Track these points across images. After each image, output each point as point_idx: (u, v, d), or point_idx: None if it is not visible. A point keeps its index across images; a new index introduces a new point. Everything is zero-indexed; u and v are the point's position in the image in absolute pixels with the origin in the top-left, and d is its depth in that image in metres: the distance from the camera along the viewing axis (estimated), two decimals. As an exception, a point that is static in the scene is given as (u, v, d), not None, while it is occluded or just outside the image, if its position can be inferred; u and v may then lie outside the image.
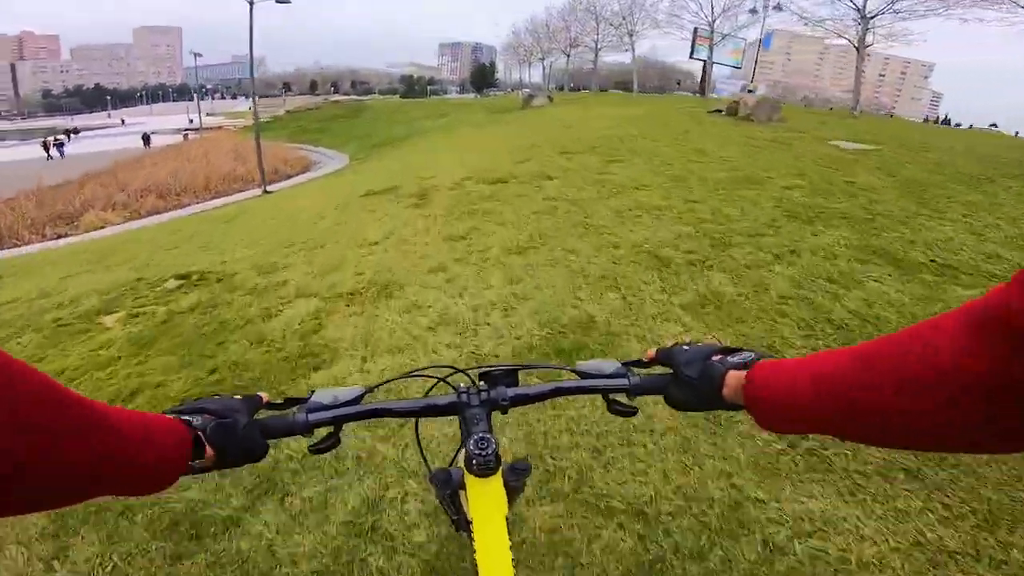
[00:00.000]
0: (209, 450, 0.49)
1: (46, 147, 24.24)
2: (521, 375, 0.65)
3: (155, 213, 11.91)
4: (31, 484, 0.32)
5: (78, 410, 0.35)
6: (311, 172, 17.20)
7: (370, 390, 0.63)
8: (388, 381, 0.74)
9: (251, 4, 13.17)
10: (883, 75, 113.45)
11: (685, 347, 0.59)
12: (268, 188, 13.22)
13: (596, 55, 34.89)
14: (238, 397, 0.56)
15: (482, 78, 54.61)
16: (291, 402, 0.60)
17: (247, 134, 22.69)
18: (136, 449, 0.40)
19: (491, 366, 0.65)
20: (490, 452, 0.54)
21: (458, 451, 0.62)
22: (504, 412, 0.61)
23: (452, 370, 0.66)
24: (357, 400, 0.59)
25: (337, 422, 0.58)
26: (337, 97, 29.01)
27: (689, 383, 0.56)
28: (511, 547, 0.51)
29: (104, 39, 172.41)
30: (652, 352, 0.63)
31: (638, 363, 0.64)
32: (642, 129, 9.38)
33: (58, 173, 16.52)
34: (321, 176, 15.00)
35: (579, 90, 40.83)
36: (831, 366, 0.42)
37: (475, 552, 0.50)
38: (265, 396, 0.59)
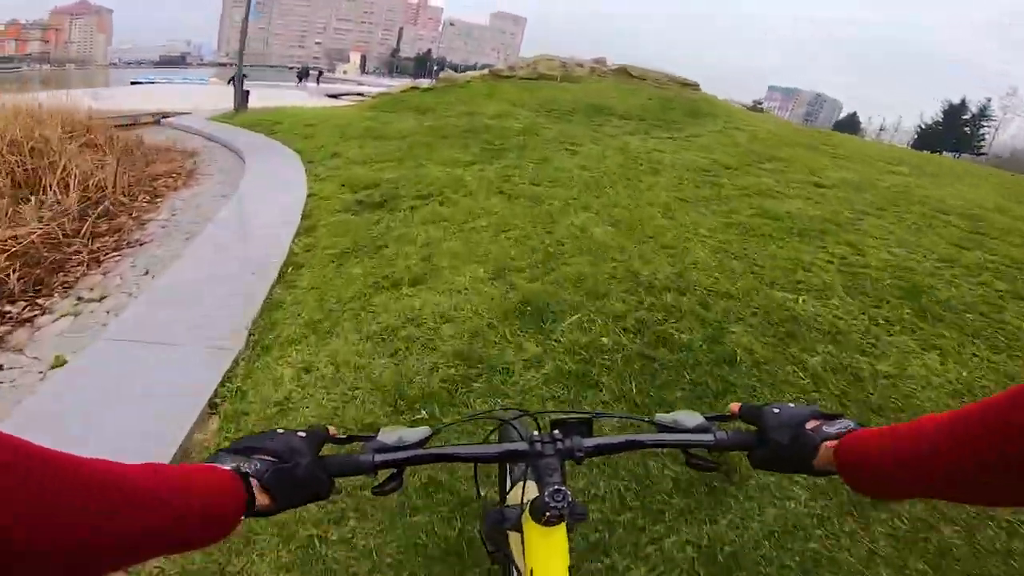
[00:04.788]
0: (265, 497, 0.48)
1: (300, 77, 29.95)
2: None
3: None
4: (78, 559, 0.32)
5: (92, 485, 0.34)
6: None
7: (436, 431, 0.61)
8: (455, 423, 0.85)
9: None
10: None
11: (776, 409, 0.57)
12: None
13: None
14: (301, 434, 0.53)
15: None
16: (355, 438, 0.59)
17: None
18: (183, 516, 0.40)
19: (565, 412, 0.64)
20: (565, 505, 0.52)
21: (510, 489, 0.66)
22: (579, 463, 0.58)
23: (521, 413, 0.67)
24: (424, 442, 0.57)
25: (403, 464, 0.56)
26: (558, 63, 9.77)
27: (778, 448, 0.54)
28: None
29: (474, 18, 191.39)
30: (736, 408, 0.62)
31: (720, 417, 0.63)
32: None
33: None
34: None
35: None
36: (933, 443, 0.41)
37: None
38: (332, 429, 0.58)
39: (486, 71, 10.47)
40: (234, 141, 7.44)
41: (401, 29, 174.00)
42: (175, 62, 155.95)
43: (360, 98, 16.70)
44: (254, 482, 0.47)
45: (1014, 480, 0.36)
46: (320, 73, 33.71)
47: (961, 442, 0.39)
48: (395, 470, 0.56)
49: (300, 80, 28.78)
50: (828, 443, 0.51)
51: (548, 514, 0.51)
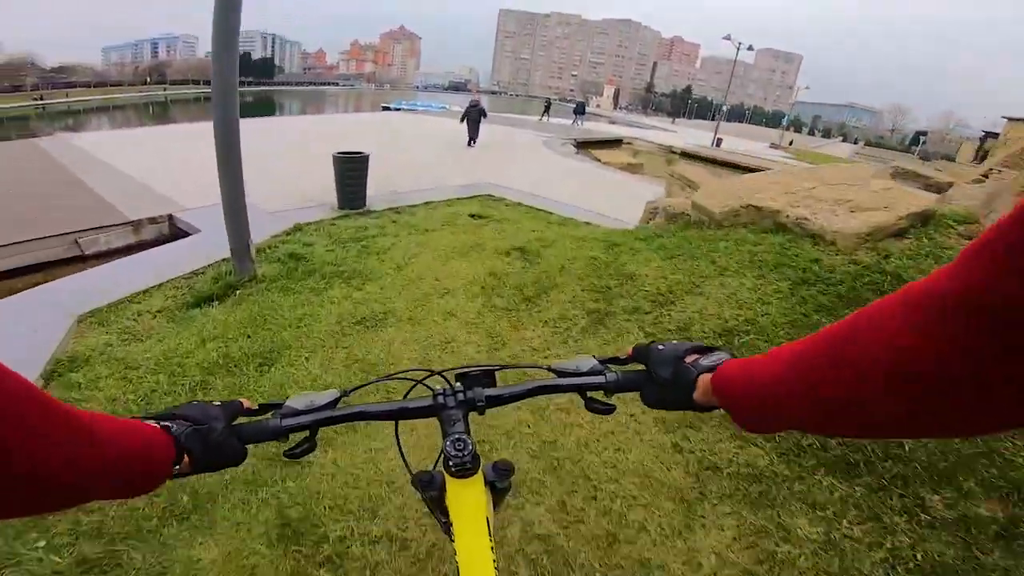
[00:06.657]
0: (185, 456, 0.50)
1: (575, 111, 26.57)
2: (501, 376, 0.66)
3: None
4: (14, 490, 0.33)
5: (63, 418, 0.36)
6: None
7: (346, 393, 0.63)
8: (365, 385, 0.73)
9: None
10: None
11: (660, 346, 0.60)
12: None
13: None
14: (217, 404, 0.56)
15: None
16: (268, 407, 0.61)
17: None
18: (121, 458, 0.42)
19: (468, 367, 0.65)
20: (467, 453, 0.55)
21: (440, 453, 0.60)
22: (481, 413, 0.62)
23: (428, 372, 0.68)
24: (332, 404, 0.60)
25: (312, 427, 0.59)
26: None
27: (662, 384, 0.57)
28: (494, 548, 0.51)
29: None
30: (630, 350, 0.64)
31: (615, 360, 0.65)
32: None
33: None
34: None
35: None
36: (788, 366, 0.43)
37: (456, 554, 0.51)
38: (246, 402, 0.60)
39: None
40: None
41: (655, 64, 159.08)
42: (459, 88, 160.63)
43: (635, 158, 11.92)
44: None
45: (860, 416, 0.35)
46: (571, 106, 27.29)
47: (806, 376, 0.39)
48: (307, 433, 0.59)
49: (544, 114, 25.87)
50: (705, 376, 0.52)
51: (452, 463, 0.54)
